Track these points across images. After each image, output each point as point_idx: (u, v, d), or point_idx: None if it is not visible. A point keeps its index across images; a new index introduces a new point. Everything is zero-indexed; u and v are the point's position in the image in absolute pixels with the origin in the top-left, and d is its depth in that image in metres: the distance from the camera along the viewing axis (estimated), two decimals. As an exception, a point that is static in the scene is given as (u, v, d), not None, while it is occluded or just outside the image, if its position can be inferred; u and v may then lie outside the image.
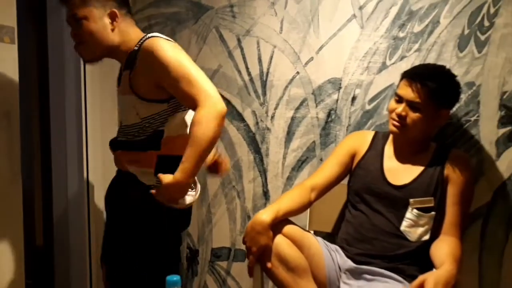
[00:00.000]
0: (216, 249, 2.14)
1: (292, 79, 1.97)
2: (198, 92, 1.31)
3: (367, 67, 1.86)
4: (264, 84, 2.01)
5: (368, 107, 1.87)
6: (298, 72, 1.96)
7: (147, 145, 1.43)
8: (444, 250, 1.43)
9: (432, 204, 1.52)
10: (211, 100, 1.31)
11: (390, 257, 1.52)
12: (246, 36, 2.02)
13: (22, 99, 1.73)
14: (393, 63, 1.82)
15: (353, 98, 1.89)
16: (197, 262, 2.17)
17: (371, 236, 1.56)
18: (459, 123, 1.74)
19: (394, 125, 1.55)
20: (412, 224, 1.53)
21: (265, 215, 1.48)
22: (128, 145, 1.46)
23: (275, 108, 2.00)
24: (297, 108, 1.97)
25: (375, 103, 1.86)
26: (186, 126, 1.44)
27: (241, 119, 2.05)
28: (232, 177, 2.09)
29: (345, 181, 1.71)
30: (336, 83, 1.91)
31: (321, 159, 1.94)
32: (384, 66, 1.83)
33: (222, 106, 1.32)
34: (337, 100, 1.91)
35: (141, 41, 1.44)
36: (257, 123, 2.04)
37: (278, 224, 1.50)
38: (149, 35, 1.44)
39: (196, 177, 1.44)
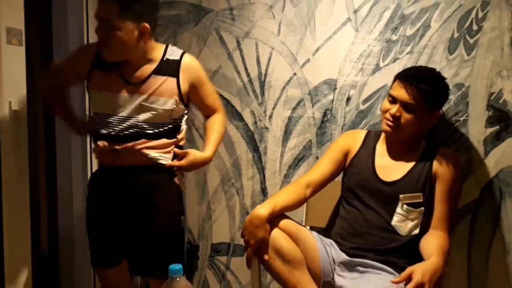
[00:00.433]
0: (216, 244, 2.17)
1: (289, 80, 2.00)
2: (219, 104, 1.77)
3: (361, 69, 1.90)
4: (262, 85, 2.05)
5: (362, 107, 1.91)
6: (295, 73, 2.00)
7: (169, 135, 1.65)
8: (432, 243, 1.48)
9: (421, 200, 1.57)
10: (223, 110, 1.80)
11: (382, 251, 1.57)
12: (245, 38, 2.05)
13: (28, 100, 1.77)
14: (386, 65, 1.86)
15: (348, 99, 1.93)
16: (197, 257, 2.19)
17: (364, 231, 1.60)
18: (449, 123, 1.79)
19: (388, 125, 1.59)
20: (402, 219, 1.57)
21: (263, 210, 1.51)
22: (153, 136, 1.61)
23: (273, 108, 2.04)
24: (294, 108, 2.01)
25: (369, 103, 1.90)
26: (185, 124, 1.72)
27: (240, 118, 2.09)
28: (232, 175, 2.12)
29: (339, 178, 1.74)
30: (331, 84, 1.95)
31: (317, 157, 1.97)
32: (377, 68, 1.88)
33: None
34: (332, 101, 1.95)
35: (173, 53, 1.63)
36: (255, 122, 2.07)
37: (275, 219, 1.53)
38: (179, 49, 1.66)
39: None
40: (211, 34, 2.10)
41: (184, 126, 1.70)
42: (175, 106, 1.61)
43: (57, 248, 2.22)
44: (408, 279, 1.33)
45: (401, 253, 1.57)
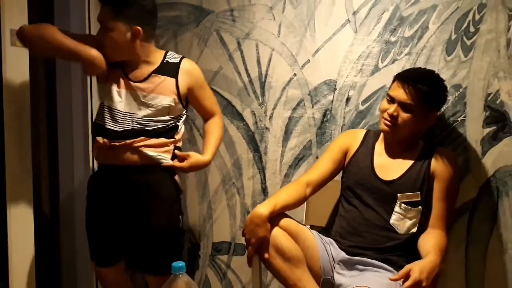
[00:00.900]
0: (216, 243, 2.18)
1: (289, 81, 2.02)
2: (217, 108, 1.85)
3: (361, 70, 1.92)
4: (262, 85, 2.06)
5: (361, 107, 1.93)
6: (295, 74, 2.01)
7: (167, 134, 1.70)
8: (430, 242, 1.50)
9: (418, 199, 1.59)
10: (221, 114, 1.88)
11: (381, 249, 1.59)
12: (246, 39, 2.07)
13: (32, 101, 1.79)
14: (385, 66, 1.88)
15: (348, 99, 1.95)
16: (198, 256, 2.20)
17: (363, 229, 1.62)
18: (447, 123, 1.80)
19: (386, 124, 1.61)
20: (400, 218, 1.59)
21: (263, 209, 1.53)
22: (151, 133, 1.66)
23: (273, 108, 2.05)
24: (294, 109, 2.02)
25: (368, 103, 1.92)
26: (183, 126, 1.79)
27: (241, 118, 2.10)
28: (232, 175, 2.13)
29: (338, 178, 1.76)
30: (331, 85, 1.97)
31: (317, 157, 1.99)
32: (376, 69, 1.89)
33: None
34: (332, 101, 1.97)
35: (172, 57, 1.71)
36: (256, 122, 2.09)
37: (275, 218, 1.55)
38: (177, 55, 1.75)
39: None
40: (212, 35, 2.11)
41: (182, 127, 1.76)
42: (173, 104, 1.68)
43: (59, 247, 2.24)
44: (406, 277, 1.35)
45: (400, 251, 1.58)
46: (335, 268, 1.62)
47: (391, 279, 1.41)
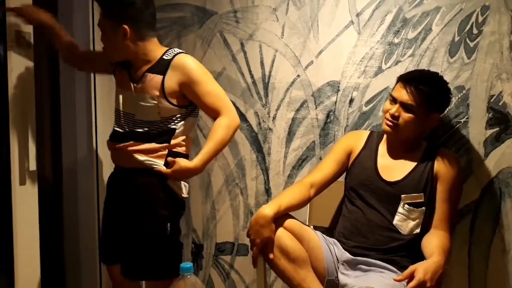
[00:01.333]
0: (220, 243, 2.18)
1: (293, 82, 2.03)
2: (223, 105, 1.63)
3: (364, 71, 1.93)
4: (266, 86, 2.07)
5: (365, 108, 1.94)
6: (298, 75, 2.02)
7: (160, 138, 1.62)
8: (433, 242, 1.51)
9: (422, 200, 1.60)
10: (232, 113, 1.64)
11: (384, 250, 1.60)
12: (249, 40, 2.07)
13: (36, 101, 1.80)
14: (389, 67, 1.89)
15: (351, 100, 1.95)
16: (202, 256, 2.20)
17: (366, 230, 1.63)
18: (450, 124, 1.81)
19: (388, 125, 1.62)
20: (404, 218, 1.60)
21: (268, 209, 1.54)
22: (143, 137, 1.63)
23: (277, 109, 2.06)
24: (298, 110, 2.03)
25: (371, 105, 1.93)
26: (194, 129, 1.65)
27: (244, 119, 2.10)
28: (236, 175, 2.14)
29: (342, 179, 1.77)
30: (334, 86, 1.97)
31: (320, 158, 1.99)
32: (380, 70, 1.91)
33: (239, 120, 1.65)
34: (335, 102, 1.98)
35: (169, 53, 1.64)
36: (259, 123, 2.09)
37: (279, 218, 1.56)
38: (178, 50, 1.65)
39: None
40: (215, 36, 2.12)
41: (179, 130, 1.64)
42: (156, 102, 1.60)
43: (63, 247, 2.25)
44: (411, 277, 1.37)
45: (403, 252, 1.60)
46: (339, 268, 1.63)
47: (395, 280, 1.42)
